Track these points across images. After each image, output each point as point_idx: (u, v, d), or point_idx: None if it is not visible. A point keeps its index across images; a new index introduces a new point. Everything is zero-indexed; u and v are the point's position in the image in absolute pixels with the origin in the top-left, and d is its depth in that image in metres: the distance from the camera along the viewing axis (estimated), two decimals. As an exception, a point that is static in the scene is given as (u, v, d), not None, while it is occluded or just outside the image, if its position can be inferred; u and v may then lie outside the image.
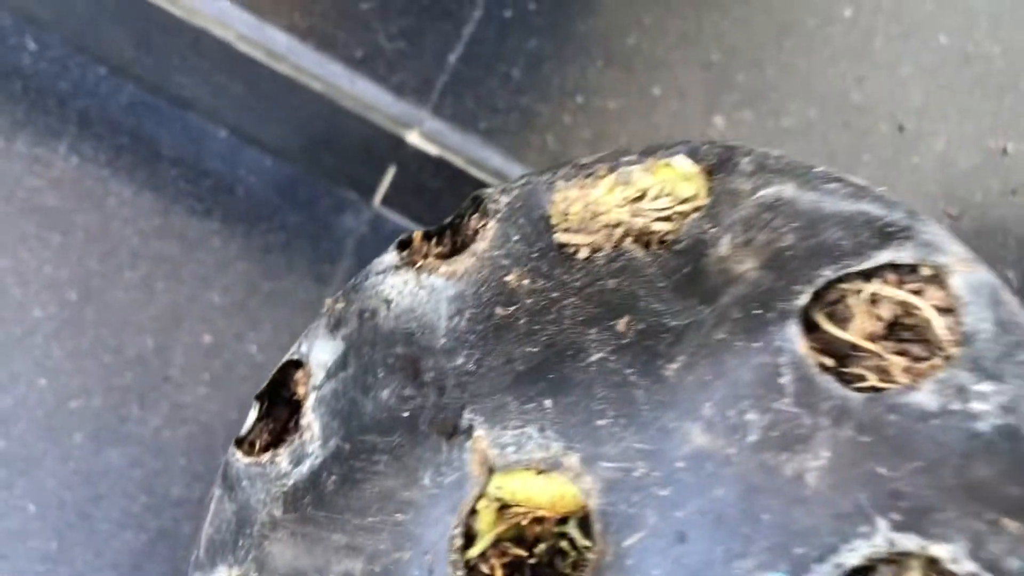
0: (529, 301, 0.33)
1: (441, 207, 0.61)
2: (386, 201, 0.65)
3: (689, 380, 0.29)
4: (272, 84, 0.58)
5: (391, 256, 0.37)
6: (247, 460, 0.36)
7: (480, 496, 0.30)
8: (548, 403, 0.31)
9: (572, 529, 0.30)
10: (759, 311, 0.29)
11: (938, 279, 0.29)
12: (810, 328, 0.29)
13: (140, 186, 0.66)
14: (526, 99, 0.58)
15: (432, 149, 0.57)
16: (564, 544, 0.31)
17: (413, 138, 0.57)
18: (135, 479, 0.62)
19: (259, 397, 0.38)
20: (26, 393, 0.63)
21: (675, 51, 0.60)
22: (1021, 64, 0.60)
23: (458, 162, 0.57)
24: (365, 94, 0.57)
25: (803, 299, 0.29)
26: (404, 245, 0.37)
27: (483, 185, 0.56)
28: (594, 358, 0.31)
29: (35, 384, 0.63)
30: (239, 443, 0.37)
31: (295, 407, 0.37)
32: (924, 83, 0.60)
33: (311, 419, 0.35)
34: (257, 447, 0.37)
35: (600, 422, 0.30)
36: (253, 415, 0.37)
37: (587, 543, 0.30)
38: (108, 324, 0.64)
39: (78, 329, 0.64)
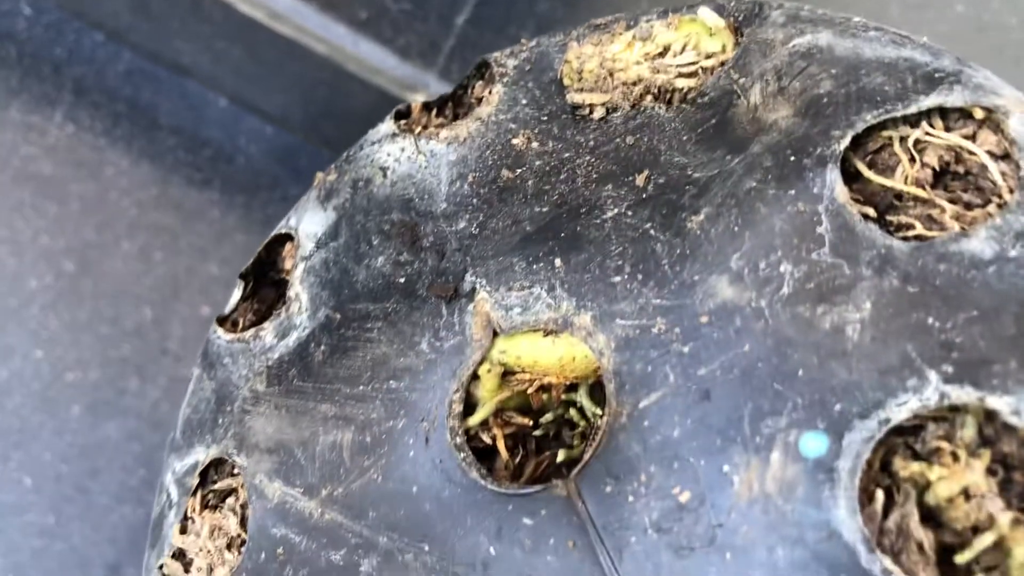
0: (538, 163, 0.30)
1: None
2: (388, 171, 0.64)
3: (715, 232, 0.26)
4: (274, 48, 0.56)
5: (387, 125, 0.34)
6: (229, 336, 0.33)
7: (482, 361, 0.28)
8: (558, 262, 0.28)
9: (582, 397, 0.27)
10: (794, 157, 0.26)
11: (992, 122, 0.26)
12: (850, 178, 0.26)
13: (137, 155, 0.65)
14: (535, 62, 0.56)
15: (439, 115, 0.55)
16: (572, 413, 0.28)
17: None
18: (133, 453, 0.61)
19: (243, 275, 0.35)
20: (22, 365, 0.61)
21: (689, 17, 0.58)
22: (1038, 33, 0.58)
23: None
24: (370, 57, 0.55)
25: (843, 144, 0.26)
26: (402, 115, 0.35)
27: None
28: (609, 214, 0.28)
29: (31, 356, 0.62)
30: (221, 321, 0.34)
31: (282, 287, 0.35)
32: (940, 51, 0.58)
33: (299, 290, 0.32)
34: (241, 325, 0.34)
35: (615, 279, 0.27)
36: (237, 294, 0.35)
37: (597, 411, 0.27)
38: (105, 295, 0.63)
39: (75, 300, 0.62)
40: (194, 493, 0.32)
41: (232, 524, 0.30)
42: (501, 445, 0.28)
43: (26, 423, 0.61)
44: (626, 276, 0.27)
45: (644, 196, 0.28)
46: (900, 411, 0.23)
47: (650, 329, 0.26)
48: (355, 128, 0.62)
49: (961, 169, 0.26)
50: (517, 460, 0.28)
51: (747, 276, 0.25)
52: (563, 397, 0.28)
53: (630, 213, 0.28)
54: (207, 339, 0.34)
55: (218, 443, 0.31)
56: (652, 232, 0.27)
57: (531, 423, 0.28)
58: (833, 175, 0.26)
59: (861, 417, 0.23)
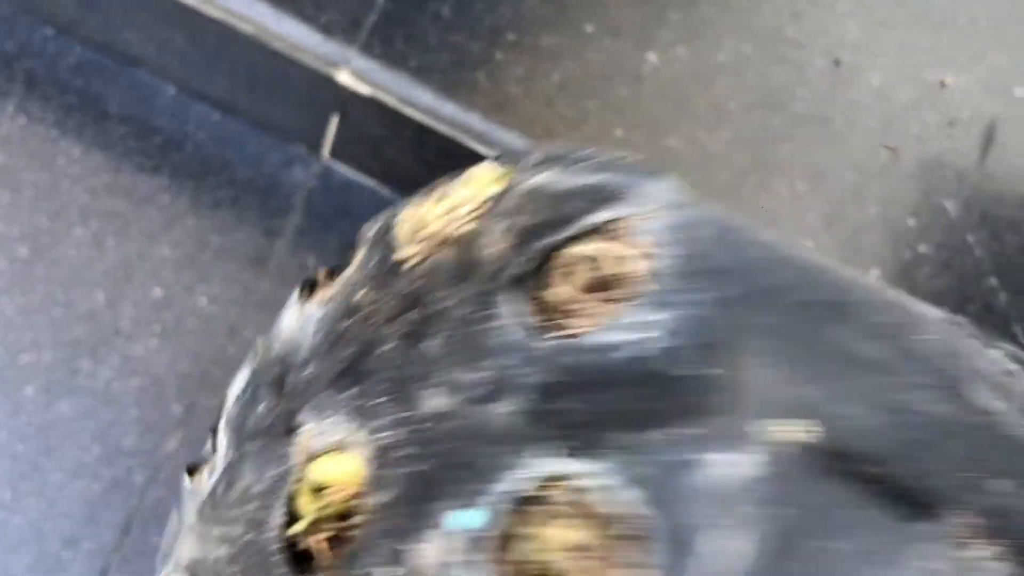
0: (364, 312, 0.38)
1: (385, 155, 0.61)
2: (334, 153, 0.65)
3: (439, 354, 0.32)
4: (209, 32, 0.59)
5: (294, 295, 0.43)
6: (187, 483, 0.42)
7: (299, 480, 0.35)
8: (355, 391, 0.35)
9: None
10: (491, 284, 0.32)
11: (633, 228, 0.31)
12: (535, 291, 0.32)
13: (89, 144, 0.67)
14: (457, 37, 0.57)
15: (364, 88, 0.57)
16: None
17: (343, 77, 0.57)
18: (88, 430, 0.62)
19: (213, 430, 0.44)
20: (-24, 349, 0.63)
21: (609, -13, 0.58)
22: (961, -3, 0.57)
23: (391, 101, 0.56)
24: (292, 34, 0.57)
25: (521, 268, 0.32)
26: (307, 284, 0.43)
27: (422, 129, 0.56)
28: (386, 348, 0.35)
29: (-15, 340, 0.63)
30: (190, 471, 0.43)
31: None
32: (861, 17, 0.58)
33: (221, 440, 0.41)
34: (197, 470, 0.43)
35: (378, 400, 0.33)
36: (208, 446, 0.44)
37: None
38: (58, 280, 0.64)
39: (28, 285, 0.64)
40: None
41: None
42: (321, 548, 0.34)
43: (-19, 404, 0.62)
44: (385, 397, 0.33)
45: (407, 330, 0.34)
46: (522, 484, 0.28)
47: (394, 439, 0.32)
48: (294, 110, 0.64)
49: (614, 271, 0.31)
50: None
51: (448, 387, 0.31)
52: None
53: (396, 344, 0.34)
54: (182, 483, 0.43)
55: (169, 566, 0.40)
56: (403, 359, 0.34)
57: (347, 527, 0.35)
58: (510, 296, 0.31)
59: (498, 492, 0.28)
